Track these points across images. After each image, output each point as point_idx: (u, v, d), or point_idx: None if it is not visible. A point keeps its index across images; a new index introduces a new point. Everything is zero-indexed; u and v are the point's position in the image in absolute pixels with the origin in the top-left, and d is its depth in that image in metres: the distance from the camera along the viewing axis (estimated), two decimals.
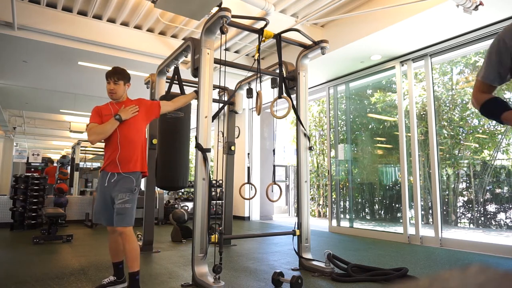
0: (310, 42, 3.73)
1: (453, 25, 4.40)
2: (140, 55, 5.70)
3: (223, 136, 5.19)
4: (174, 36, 5.94)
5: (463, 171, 5.75)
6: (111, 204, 2.62)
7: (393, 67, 5.56)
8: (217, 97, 5.28)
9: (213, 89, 3.28)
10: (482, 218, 5.56)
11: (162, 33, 5.82)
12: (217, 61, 3.36)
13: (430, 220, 5.27)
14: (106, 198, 2.63)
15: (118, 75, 2.71)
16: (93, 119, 2.68)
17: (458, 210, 5.77)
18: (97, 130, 2.60)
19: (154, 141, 4.42)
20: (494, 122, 5.60)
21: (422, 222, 5.09)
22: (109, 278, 2.76)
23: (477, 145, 5.68)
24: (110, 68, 2.81)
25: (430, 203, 5.22)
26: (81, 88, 7.47)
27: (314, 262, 3.42)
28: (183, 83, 4.24)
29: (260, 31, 3.40)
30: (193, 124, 4.46)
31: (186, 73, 5.86)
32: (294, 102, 3.73)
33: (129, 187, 2.59)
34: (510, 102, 5.51)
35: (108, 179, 2.63)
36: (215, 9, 3.18)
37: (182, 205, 7.92)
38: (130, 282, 2.57)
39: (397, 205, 5.93)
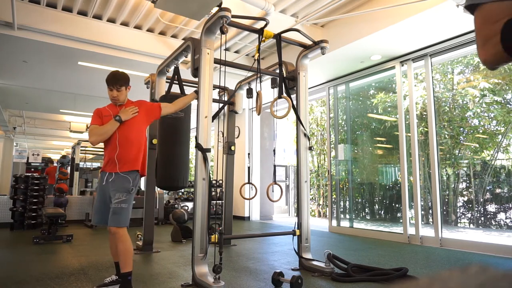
0: (310, 42, 3.73)
1: (453, 25, 4.40)
2: (140, 55, 5.70)
3: (223, 136, 5.19)
4: (174, 36, 5.94)
5: (463, 171, 5.75)
6: (109, 203, 2.64)
7: (393, 67, 5.56)
8: (217, 97, 5.28)
9: (213, 89, 3.28)
10: (482, 218, 5.56)
11: (162, 33, 5.82)
12: (217, 61, 3.36)
13: (430, 220, 5.26)
14: (105, 197, 2.67)
15: (120, 81, 2.69)
16: (94, 121, 2.70)
17: (458, 210, 5.77)
18: (98, 131, 2.63)
19: (154, 141, 4.42)
20: (494, 122, 5.59)
21: (422, 222, 5.09)
22: (111, 277, 2.79)
23: (477, 145, 5.67)
24: (110, 68, 2.81)
25: (430, 203, 5.22)
26: (81, 88, 7.47)
27: (314, 262, 3.42)
28: (183, 83, 4.24)
29: (260, 31, 3.40)
30: (193, 124, 4.46)
31: (186, 73, 5.86)
32: (294, 102, 3.73)
33: (126, 187, 2.60)
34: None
35: (106, 178, 2.66)
36: (215, 9, 3.19)
37: (182, 205, 7.92)
38: (123, 282, 2.56)
39: (397, 205, 5.93)
